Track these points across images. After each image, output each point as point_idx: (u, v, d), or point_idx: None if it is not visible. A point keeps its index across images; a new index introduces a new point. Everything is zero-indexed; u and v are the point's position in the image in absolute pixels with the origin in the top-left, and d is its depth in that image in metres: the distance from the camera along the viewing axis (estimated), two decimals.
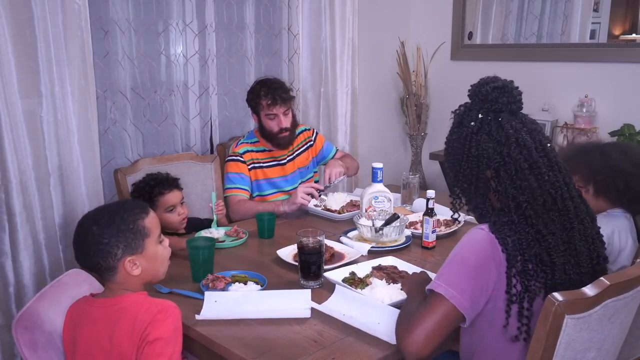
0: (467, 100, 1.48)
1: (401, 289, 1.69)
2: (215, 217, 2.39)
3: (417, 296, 1.50)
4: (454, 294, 1.31)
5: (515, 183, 1.35)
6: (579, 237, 1.37)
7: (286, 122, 2.64)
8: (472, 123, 1.41)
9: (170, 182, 2.31)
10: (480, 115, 1.40)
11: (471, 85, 1.46)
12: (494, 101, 1.39)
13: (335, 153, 2.94)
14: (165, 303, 1.46)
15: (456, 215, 1.55)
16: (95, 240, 1.43)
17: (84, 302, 1.51)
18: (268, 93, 2.60)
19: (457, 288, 1.32)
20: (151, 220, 1.52)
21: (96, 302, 1.49)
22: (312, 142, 2.87)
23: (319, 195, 2.50)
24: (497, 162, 1.37)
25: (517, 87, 1.44)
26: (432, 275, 1.72)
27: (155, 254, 1.52)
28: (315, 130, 2.93)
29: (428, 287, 1.38)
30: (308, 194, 2.45)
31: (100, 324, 1.45)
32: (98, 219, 1.47)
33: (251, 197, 2.70)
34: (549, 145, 1.41)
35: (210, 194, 2.51)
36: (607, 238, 1.72)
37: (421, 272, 1.77)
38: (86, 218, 1.51)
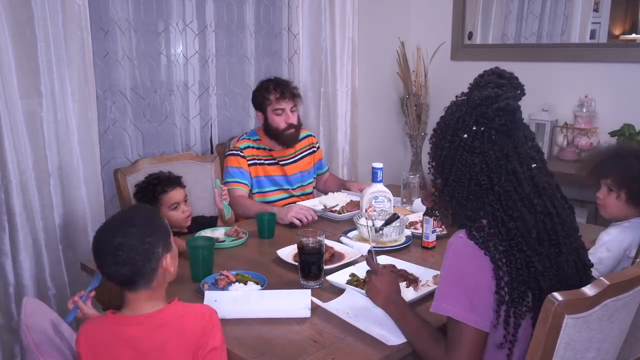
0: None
1: (369, 299, 1.62)
2: (224, 203, 2.40)
3: (404, 310, 1.49)
4: (472, 317, 1.29)
5: (507, 213, 1.31)
6: (566, 253, 1.34)
7: (293, 118, 2.67)
8: (465, 135, 1.34)
9: (173, 180, 2.32)
10: (474, 128, 1.34)
11: (473, 83, 1.39)
12: (490, 119, 1.33)
13: (326, 171, 3.00)
14: (208, 310, 1.43)
15: (442, 227, 1.47)
16: (137, 242, 1.34)
17: (108, 321, 1.39)
18: (277, 87, 2.65)
19: (469, 309, 1.29)
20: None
21: (129, 320, 1.37)
22: (314, 149, 2.90)
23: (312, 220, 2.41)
24: (485, 185, 1.33)
25: (519, 107, 1.36)
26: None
27: (176, 251, 1.48)
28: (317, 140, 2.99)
29: (443, 312, 1.33)
30: (299, 218, 2.37)
31: (141, 342, 1.35)
32: (131, 221, 1.39)
33: (250, 193, 2.70)
34: (534, 165, 1.35)
35: (215, 181, 2.56)
36: (623, 250, 1.71)
37: (381, 276, 1.60)
38: (114, 226, 1.39)
